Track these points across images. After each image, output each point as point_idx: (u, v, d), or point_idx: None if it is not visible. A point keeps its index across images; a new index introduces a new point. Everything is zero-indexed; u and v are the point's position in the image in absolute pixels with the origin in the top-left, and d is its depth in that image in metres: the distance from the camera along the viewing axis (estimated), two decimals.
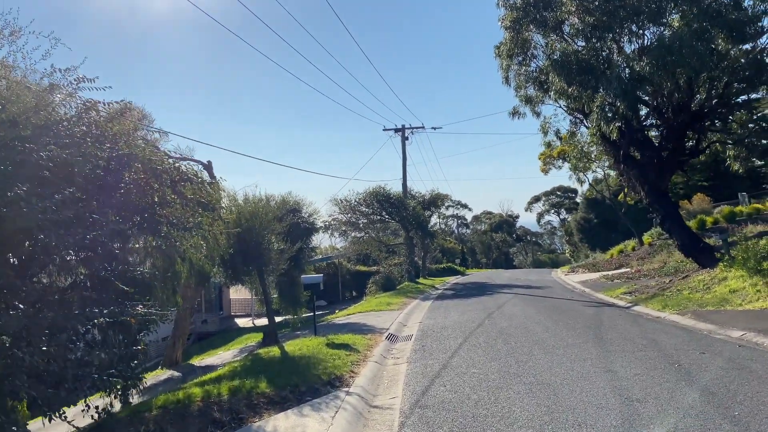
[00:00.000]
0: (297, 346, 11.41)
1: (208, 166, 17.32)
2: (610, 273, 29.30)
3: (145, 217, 6.94)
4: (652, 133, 21.82)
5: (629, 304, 17.29)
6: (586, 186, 49.93)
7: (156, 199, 7.24)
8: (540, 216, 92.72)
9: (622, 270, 29.39)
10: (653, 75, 14.61)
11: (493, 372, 8.72)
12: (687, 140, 19.89)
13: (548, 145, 28.05)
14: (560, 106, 22.28)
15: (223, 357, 16.35)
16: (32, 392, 4.56)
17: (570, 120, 22.69)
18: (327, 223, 40.44)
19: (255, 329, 30.99)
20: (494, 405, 6.83)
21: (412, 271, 37.53)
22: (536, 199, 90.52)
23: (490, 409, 6.69)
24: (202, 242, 10.12)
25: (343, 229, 40.00)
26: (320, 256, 47.77)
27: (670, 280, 19.74)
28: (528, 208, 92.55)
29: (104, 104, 6.20)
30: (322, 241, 57.23)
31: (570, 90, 16.98)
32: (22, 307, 4.83)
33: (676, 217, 19.96)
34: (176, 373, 15.14)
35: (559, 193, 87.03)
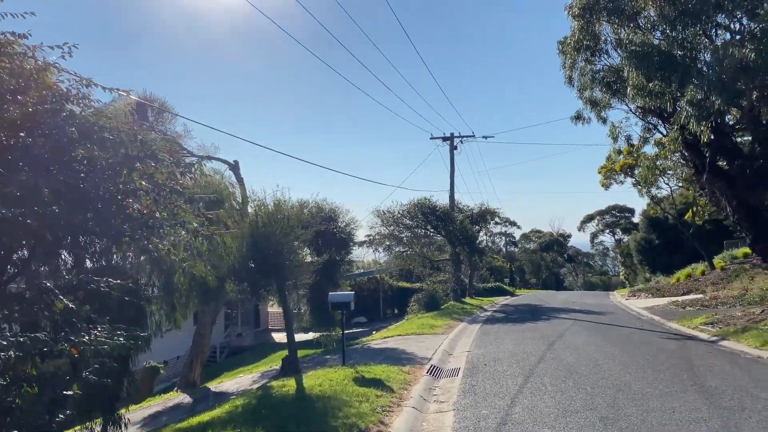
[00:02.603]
0: (318, 379, 9.34)
1: (234, 166, 15.58)
2: (679, 299, 26.26)
3: (99, 209, 5.02)
4: (740, 139, 19.12)
5: (714, 338, 14.63)
6: (645, 202, 46.65)
7: (120, 186, 5.32)
8: (594, 236, 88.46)
9: (693, 296, 26.36)
10: (759, 63, 12.09)
11: None
12: None
13: (618, 152, 25.37)
14: (631, 110, 19.86)
15: (240, 382, 14.43)
16: None
17: (642, 125, 20.20)
18: (371, 237, 38.53)
19: None
20: None
21: (458, 289, 35.07)
22: (589, 218, 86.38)
23: None
24: (204, 247, 8.23)
25: (387, 243, 37.98)
26: (361, 270, 45.90)
27: (762, 311, 16.88)
28: (581, 228, 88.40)
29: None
30: (365, 255, 55.49)
31: (650, 86, 14.56)
32: None
33: None
34: (187, 399, 13.31)
35: (614, 212, 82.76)
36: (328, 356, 14.83)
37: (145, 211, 5.61)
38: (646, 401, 7.87)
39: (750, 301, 20.00)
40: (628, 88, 15.21)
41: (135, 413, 13.44)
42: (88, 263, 7.84)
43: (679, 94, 14.29)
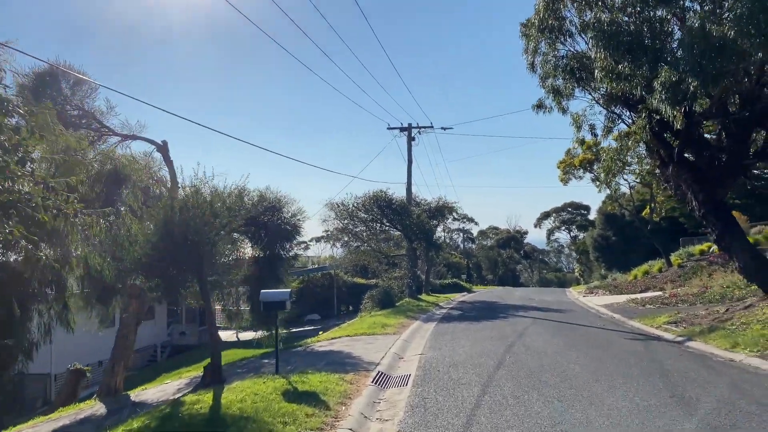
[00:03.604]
0: (242, 393, 7.88)
1: (162, 147, 13.87)
2: (638, 296, 25.84)
3: None
4: (708, 136, 18.42)
5: (681, 338, 13.80)
6: (601, 199, 46.58)
7: None
8: (550, 233, 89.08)
9: (652, 293, 25.95)
10: (738, 41, 11.11)
11: None
12: (752, 140, 16.38)
13: (581, 141, 24.48)
14: (595, 99, 18.89)
15: (165, 389, 12.79)
16: None
17: (606, 115, 19.24)
18: (328, 233, 36.97)
19: (238, 344, 27.61)
20: None
21: (414, 286, 33.87)
22: (546, 215, 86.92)
23: None
24: (101, 234, 6.68)
25: (345, 239, 36.54)
26: (315, 266, 44.38)
27: (726, 309, 16.18)
28: (537, 225, 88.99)
29: None
30: (323, 251, 54.04)
31: (619, 68, 13.52)
32: None
33: (738, 233, 16.37)
34: (101, 411, 11.64)
35: (570, 209, 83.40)
36: (266, 360, 13.33)
37: None
38: (624, 420, 6.71)
39: (711, 299, 19.44)
40: (596, 71, 14.14)
41: (40, 427, 11.72)
42: None
43: (648, 75, 13.25)
